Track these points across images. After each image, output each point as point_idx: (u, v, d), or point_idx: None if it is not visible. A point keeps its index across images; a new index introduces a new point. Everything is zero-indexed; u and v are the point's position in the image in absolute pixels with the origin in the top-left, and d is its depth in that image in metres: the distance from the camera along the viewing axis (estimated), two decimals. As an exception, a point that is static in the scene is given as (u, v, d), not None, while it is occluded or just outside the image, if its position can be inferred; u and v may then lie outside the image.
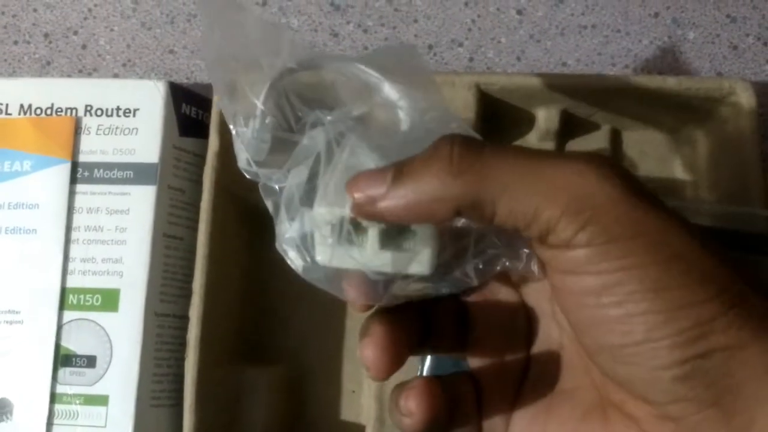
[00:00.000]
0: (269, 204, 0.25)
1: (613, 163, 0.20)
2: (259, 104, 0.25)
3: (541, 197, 0.19)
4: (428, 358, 0.38)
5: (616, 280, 0.19)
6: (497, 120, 0.44)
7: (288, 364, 0.45)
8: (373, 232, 0.22)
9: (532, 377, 0.25)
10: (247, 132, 0.25)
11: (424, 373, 0.38)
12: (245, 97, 0.25)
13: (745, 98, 0.41)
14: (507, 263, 0.23)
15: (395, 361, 0.23)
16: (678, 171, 0.46)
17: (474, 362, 0.26)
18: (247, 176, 0.26)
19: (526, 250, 0.23)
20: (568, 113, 0.44)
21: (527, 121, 0.45)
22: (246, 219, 0.45)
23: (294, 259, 0.24)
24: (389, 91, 0.25)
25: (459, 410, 0.24)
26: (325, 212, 0.22)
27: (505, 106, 0.43)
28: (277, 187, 0.24)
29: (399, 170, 0.20)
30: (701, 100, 0.42)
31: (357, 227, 0.22)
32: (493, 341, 0.25)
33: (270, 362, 0.44)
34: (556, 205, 0.19)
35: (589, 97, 0.43)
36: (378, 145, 0.23)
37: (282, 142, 0.25)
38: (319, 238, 0.22)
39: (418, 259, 0.22)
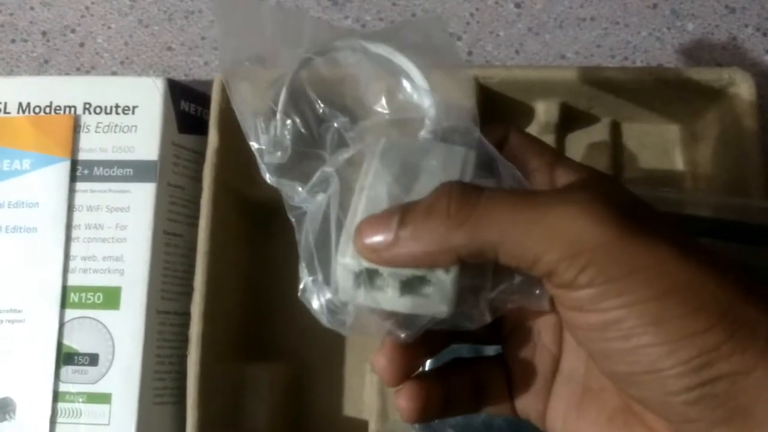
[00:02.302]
0: (292, 219, 0.26)
1: (606, 199, 0.21)
2: (279, 110, 0.26)
3: (539, 244, 0.20)
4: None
5: (619, 317, 0.20)
6: (497, 113, 0.44)
7: (290, 360, 0.45)
8: (391, 278, 0.22)
9: (564, 371, 0.26)
10: (267, 138, 0.26)
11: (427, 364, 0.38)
12: (264, 101, 0.26)
13: (745, 89, 0.41)
14: (521, 299, 0.24)
15: (406, 373, 0.24)
16: (678, 162, 0.46)
17: (507, 350, 0.27)
18: (271, 184, 0.26)
19: (537, 291, 0.24)
20: (567, 106, 0.44)
21: (527, 114, 0.45)
22: (246, 215, 0.45)
23: (317, 310, 0.24)
24: (410, 89, 0.26)
25: (466, 395, 0.26)
26: (348, 263, 0.23)
27: (504, 99, 0.43)
28: (301, 206, 0.25)
29: (402, 221, 0.21)
30: (701, 91, 0.42)
31: (377, 272, 0.22)
32: (525, 332, 0.26)
33: (272, 358, 0.44)
34: (554, 250, 0.20)
35: (588, 90, 0.43)
36: (396, 175, 0.23)
37: (304, 151, 0.26)
38: (342, 283, 0.23)
39: (437, 302, 0.22)
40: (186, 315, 0.40)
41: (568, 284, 0.20)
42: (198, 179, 0.42)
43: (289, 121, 0.26)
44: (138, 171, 0.42)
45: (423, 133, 0.25)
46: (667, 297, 0.20)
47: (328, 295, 0.24)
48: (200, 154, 0.43)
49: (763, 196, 0.40)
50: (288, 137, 0.25)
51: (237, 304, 0.44)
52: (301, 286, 0.25)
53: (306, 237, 0.25)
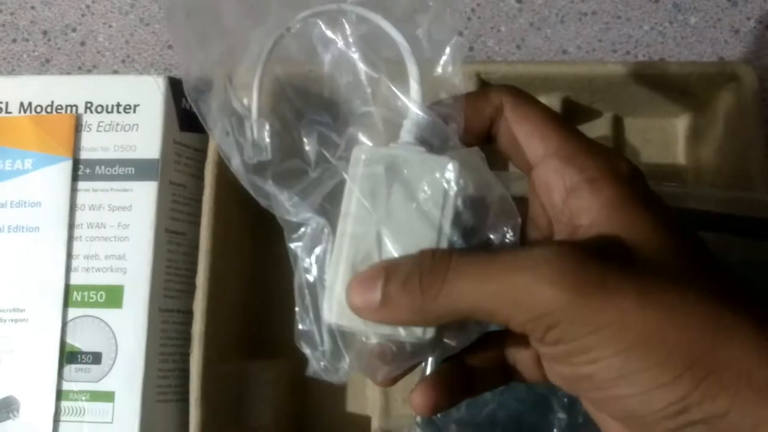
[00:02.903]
0: (289, 246, 0.25)
1: (563, 260, 0.21)
2: (254, 109, 0.25)
3: (505, 310, 0.21)
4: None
5: (589, 372, 0.21)
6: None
7: (293, 356, 0.44)
8: None
9: None
10: (244, 141, 0.25)
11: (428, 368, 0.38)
12: (233, 99, 0.25)
13: (748, 82, 0.41)
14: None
15: (440, 409, 0.26)
16: (680, 157, 0.46)
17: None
18: (251, 192, 0.25)
19: None
20: (569, 101, 0.44)
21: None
22: (248, 213, 0.45)
23: (311, 358, 0.25)
24: (390, 87, 0.24)
25: (494, 370, 0.26)
26: (333, 321, 0.24)
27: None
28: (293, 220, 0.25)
29: (384, 288, 0.22)
30: (703, 85, 0.42)
31: None
32: None
33: (275, 355, 0.44)
34: (520, 315, 0.21)
35: (590, 85, 0.43)
36: (376, 208, 0.23)
37: (286, 148, 0.25)
38: (326, 307, 0.24)
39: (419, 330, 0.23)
40: (189, 313, 0.40)
41: (540, 341, 0.21)
42: (200, 177, 0.42)
43: (266, 127, 0.25)
44: (140, 169, 0.42)
45: (404, 136, 0.24)
46: (631, 351, 0.20)
47: (324, 347, 0.24)
48: (202, 152, 0.43)
49: (766, 189, 0.40)
50: (267, 139, 0.25)
51: (240, 302, 0.44)
52: (296, 331, 0.25)
53: (299, 278, 0.25)
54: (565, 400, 0.36)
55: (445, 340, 0.24)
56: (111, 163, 0.43)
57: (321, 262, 0.24)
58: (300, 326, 0.25)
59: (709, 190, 0.42)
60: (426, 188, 0.23)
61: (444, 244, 0.23)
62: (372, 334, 0.24)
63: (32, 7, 0.53)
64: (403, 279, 0.22)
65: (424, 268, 0.22)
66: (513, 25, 0.50)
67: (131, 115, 0.43)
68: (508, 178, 0.40)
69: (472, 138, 0.25)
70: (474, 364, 0.26)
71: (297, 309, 0.25)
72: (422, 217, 0.23)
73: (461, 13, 0.50)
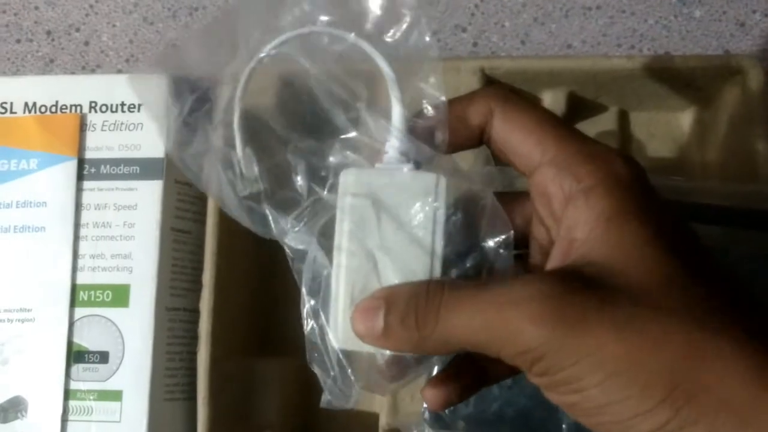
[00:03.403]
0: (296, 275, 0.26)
1: (544, 295, 0.21)
2: (238, 144, 0.25)
3: (495, 344, 0.22)
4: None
5: (574, 401, 0.21)
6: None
7: (300, 354, 0.44)
8: None
9: None
10: (234, 177, 0.25)
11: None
12: (216, 138, 0.25)
13: (754, 75, 0.41)
14: None
15: (451, 403, 0.26)
16: (686, 150, 0.46)
17: None
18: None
19: None
20: (574, 95, 0.44)
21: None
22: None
23: (324, 387, 0.26)
24: (372, 107, 0.24)
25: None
26: (340, 347, 0.25)
27: (510, 90, 0.43)
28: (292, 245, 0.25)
29: (385, 319, 0.23)
30: (709, 78, 0.42)
31: None
32: None
33: (282, 353, 0.44)
34: (507, 350, 0.22)
35: (595, 79, 0.43)
36: (368, 234, 0.23)
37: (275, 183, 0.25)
38: (332, 334, 0.25)
39: None
40: (195, 311, 0.40)
41: (529, 372, 0.22)
42: (205, 176, 0.42)
43: (253, 159, 0.25)
44: (144, 168, 0.42)
45: (390, 154, 0.24)
46: (611, 381, 0.20)
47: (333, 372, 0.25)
48: (206, 151, 0.43)
49: (773, 182, 0.40)
50: (256, 170, 0.25)
51: (246, 300, 0.44)
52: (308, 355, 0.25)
53: (306, 303, 0.25)
54: (573, 395, 0.36)
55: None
56: (116, 162, 0.43)
57: (324, 288, 0.25)
58: (312, 351, 0.26)
59: (715, 183, 0.42)
60: (415, 211, 0.23)
61: (438, 266, 0.23)
62: (379, 353, 0.24)
63: (36, 8, 0.53)
64: (401, 313, 0.23)
65: (419, 305, 0.23)
66: (517, 20, 0.49)
67: (135, 114, 0.43)
68: (512, 174, 0.40)
69: (462, 143, 0.25)
70: (480, 357, 0.26)
71: (306, 331, 0.26)
72: (414, 241, 0.23)
73: (465, 9, 0.50)
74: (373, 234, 0.23)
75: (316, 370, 0.26)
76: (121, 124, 0.43)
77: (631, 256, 0.22)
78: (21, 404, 0.40)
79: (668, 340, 0.20)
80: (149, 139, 0.43)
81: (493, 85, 0.23)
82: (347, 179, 0.24)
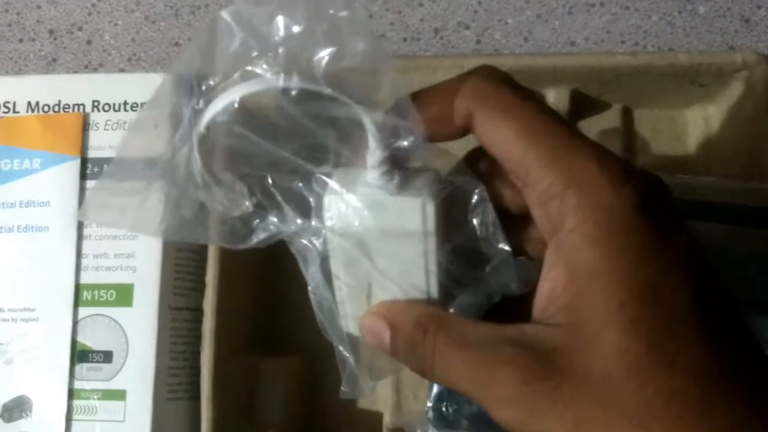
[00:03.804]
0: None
1: (516, 368, 0.20)
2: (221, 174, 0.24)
3: (478, 401, 0.22)
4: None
5: None
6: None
7: (304, 353, 0.45)
8: None
9: None
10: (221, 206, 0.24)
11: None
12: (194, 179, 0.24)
13: (758, 71, 0.40)
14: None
15: None
16: (691, 148, 0.46)
17: None
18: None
19: None
20: (578, 93, 0.43)
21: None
22: (257, 210, 0.45)
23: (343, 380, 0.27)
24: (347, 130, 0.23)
25: None
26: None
27: (491, 73, 0.43)
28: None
29: (391, 345, 0.24)
30: (713, 75, 0.42)
31: None
32: None
33: (286, 352, 0.44)
34: (489, 406, 0.21)
35: (598, 76, 0.42)
36: (358, 257, 0.24)
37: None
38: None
39: None
40: (199, 311, 0.40)
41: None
42: (208, 174, 0.42)
43: (239, 184, 0.24)
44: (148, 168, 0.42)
45: (372, 175, 0.23)
46: None
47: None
48: (209, 150, 0.43)
49: (778, 179, 0.39)
50: (244, 195, 0.24)
51: (250, 299, 0.44)
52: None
53: (319, 308, 0.26)
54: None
55: None
56: (119, 161, 0.43)
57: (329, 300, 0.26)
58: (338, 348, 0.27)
59: (720, 180, 0.42)
60: (404, 232, 0.23)
61: (433, 281, 0.24)
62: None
63: (38, 7, 0.53)
64: (402, 346, 0.23)
65: (417, 339, 0.23)
66: (520, 17, 0.49)
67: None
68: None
69: (444, 139, 0.23)
70: None
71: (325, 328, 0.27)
72: (407, 261, 0.23)
73: (468, 6, 0.49)
74: (367, 257, 0.24)
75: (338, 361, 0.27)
76: (124, 123, 0.43)
77: (596, 333, 0.19)
78: (25, 403, 0.40)
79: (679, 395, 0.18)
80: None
81: (474, 72, 0.21)
82: (331, 203, 0.23)
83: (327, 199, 0.23)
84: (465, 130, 0.22)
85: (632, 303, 0.19)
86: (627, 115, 0.46)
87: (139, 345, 0.40)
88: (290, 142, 0.23)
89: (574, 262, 0.19)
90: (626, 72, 0.42)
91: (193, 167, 0.23)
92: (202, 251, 0.42)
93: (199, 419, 0.39)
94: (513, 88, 0.22)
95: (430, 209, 0.22)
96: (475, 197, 0.23)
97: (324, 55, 0.21)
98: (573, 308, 0.20)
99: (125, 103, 0.43)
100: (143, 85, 0.44)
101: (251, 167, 0.24)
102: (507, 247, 0.23)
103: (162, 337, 0.41)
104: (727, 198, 0.39)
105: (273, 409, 0.42)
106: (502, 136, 0.21)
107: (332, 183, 0.23)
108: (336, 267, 0.24)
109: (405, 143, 0.22)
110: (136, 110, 0.43)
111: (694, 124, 0.46)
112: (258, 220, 0.25)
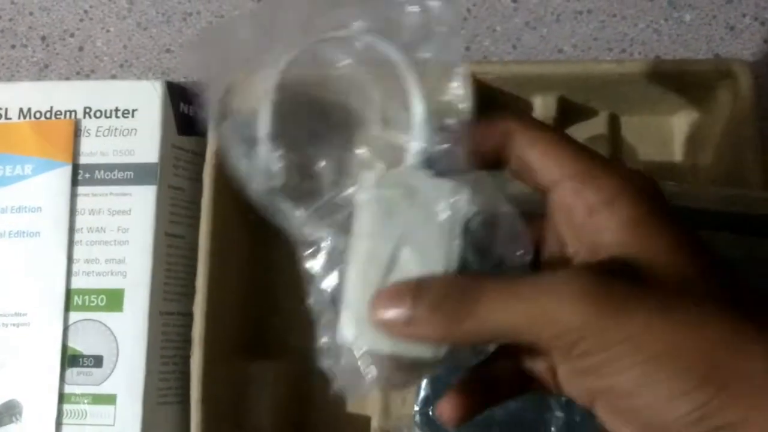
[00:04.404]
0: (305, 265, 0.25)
1: (584, 280, 0.22)
2: (262, 135, 0.25)
3: (532, 330, 0.22)
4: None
5: (610, 384, 0.22)
6: (493, 109, 0.44)
7: (293, 357, 0.45)
8: None
9: None
10: (254, 168, 0.25)
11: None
12: (242, 126, 0.25)
13: (743, 79, 0.41)
14: None
15: (466, 418, 0.27)
16: (677, 154, 0.46)
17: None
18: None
19: None
20: (565, 100, 0.44)
21: (525, 109, 0.45)
22: (248, 215, 0.45)
23: (336, 376, 0.25)
24: (398, 113, 0.25)
25: (509, 382, 0.27)
26: (349, 342, 0.24)
27: (501, 94, 0.43)
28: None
29: (413, 306, 0.23)
30: (699, 82, 0.42)
31: None
32: None
33: (275, 356, 0.45)
34: (545, 334, 0.22)
35: (585, 84, 0.43)
36: (386, 235, 0.24)
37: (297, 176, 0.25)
38: (343, 326, 0.24)
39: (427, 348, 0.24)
40: (189, 316, 0.41)
41: (564, 356, 0.23)
42: (198, 180, 0.42)
43: (278, 152, 0.25)
44: (139, 174, 0.43)
45: (411, 160, 0.24)
46: (651, 363, 0.21)
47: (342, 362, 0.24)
48: (200, 156, 0.43)
49: (762, 186, 0.40)
50: (277, 166, 0.25)
51: (239, 304, 0.44)
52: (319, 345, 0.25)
53: (316, 296, 0.25)
54: (563, 399, 0.36)
55: (460, 356, 0.25)
56: (110, 167, 0.43)
57: (336, 282, 0.24)
58: (320, 344, 0.25)
59: (707, 187, 0.43)
60: (437, 212, 0.24)
61: (456, 266, 0.24)
62: (387, 351, 0.24)
63: (30, 13, 0.53)
64: (432, 299, 0.23)
65: (454, 290, 0.23)
66: (508, 24, 0.50)
67: (130, 119, 0.44)
68: (504, 179, 0.40)
69: (480, 164, 0.25)
70: (491, 374, 0.27)
71: (317, 328, 0.25)
72: (435, 239, 0.24)
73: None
74: (394, 227, 0.24)
75: (326, 364, 0.25)
76: (116, 129, 0.44)
77: (663, 252, 0.23)
78: (16, 408, 0.40)
79: (708, 326, 0.21)
80: (143, 145, 0.43)
81: (508, 112, 0.24)
82: (370, 176, 0.24)
83: (366, 173, 0.24)
84: (497, 157, 0.25)
85: (688, 234, 0.23)
86: (614, 121, 0.46)
87: (130, 350, 0.41)
88: (332, 117, 0.25)
89: (626, 217, 0.23)
90: (613, 79, 0.42)
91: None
92: (192, 256, 0.42)
93: (189, 423, 0.39)
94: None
95: (465, 194, 0.24)
96: (505, 215, 0.25)
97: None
98: (635, 244, 0.23)
99: (117, 110, 0.44)
100: (135, 92, 0.44)
101: (291, 139, 0.25)
102: (528, 256, 0.25)
103: (152, 341, 0.41)
104: (713, 205, 0.40)
105: (262, 412, 0.42)
106: (541, 143, 0.25)
107: (374, 156, 0.24)
108: (358, 243, 0.24)
109: (445, 146, 0.24)
110: (127, 117, 0.44)
111: (680, 131, 0.46)
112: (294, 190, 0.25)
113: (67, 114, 0.44)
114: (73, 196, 0.43)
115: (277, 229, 0.45)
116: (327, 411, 0.44)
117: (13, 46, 0.52)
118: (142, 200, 0.42)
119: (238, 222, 0.44)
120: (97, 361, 0.41)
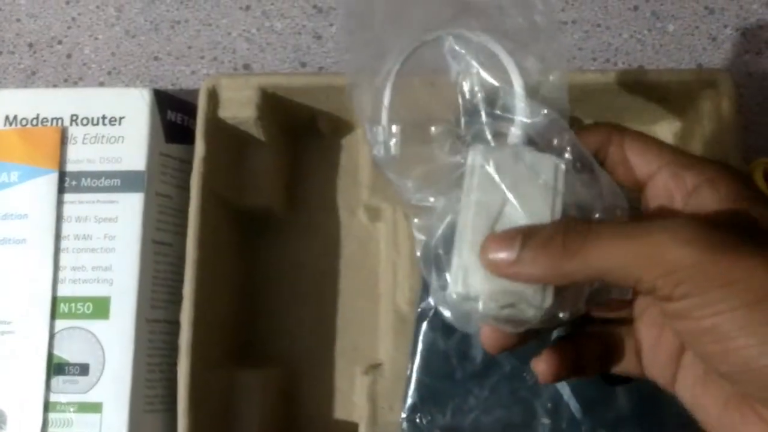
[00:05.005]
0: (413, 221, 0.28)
1: (696, 224, 0.23)
2: (384, 114, 0.28)
3: (639, 269, 0.23)
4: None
5: (712, 324, 0.23)
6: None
7: (280, 365, 0.45)
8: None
9: (690, 352, 0.28)
10: (377, 132, 0.28)
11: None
12: (368, 102, 0.28)
13: (725, 89, 0.41)
14: (610, 292, 0.27)
15: (561, 375, 0.29)
16: (661, 163, 0.47)
17: (639, 324, 0.29)
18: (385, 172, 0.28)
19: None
20: (549, 109, 0.44)
21: (511, 118, 0.45)
22: (235, 223, 0.45)
23: (448, 315, 0.27)
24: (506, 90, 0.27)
25: (595, 357, 0.29)
26: (459, 291, 0.26)
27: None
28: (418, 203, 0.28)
29: (523, 245, 0.25)
30: (682, 92, 0.43)
31: None
32: (655, 314, 0.28)
33: (262, 364, 0.45)
34: (653, 273, 0.23)
35: (570, 92, 0.43)
36: (493, 193, 0.26)
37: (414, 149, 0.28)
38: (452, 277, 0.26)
39: (531, 308, 0.26)
40: (176, 323, 0.41)
41: (667, 297, 0.24)
42: (186, 188, 0.42)
43: (395, 127, 0.28)
44: (126, 181, 0.43)
45: (513, 135, 0.27)
46: (755, 306, 0.22)
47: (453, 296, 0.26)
48: (188, 163, 0.43)
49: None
50: (395, 139, 0.28)
51: (227, 312, 0.44)
52: (433, 289, 0.27)
53: (426, 253, 0.27)
54: (549, 405, 0.37)
55: (560, 314, 0.26)
56: (97, 175, 0.43)
57: (445, 239, 0.27)
58: (432, 298, 0.29)
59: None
60: (540, 171, 0.26)
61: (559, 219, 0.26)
62: (493, 301, 0.25)
63: (18, 20, 0.53)
64: (540, 240, 0.25)
65: (568, 228, 0.25)
66: (495, 34, 0.50)
67: (117, 127, 0.44)
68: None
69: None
70: (580, 346, 0.29)
71: (429, 283, 0.27)
72: (539, 195, 0.26)
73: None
74: (499, 187, 0.26)
75: (441, 308, 0.27)
76: (102, 137, 0.44)
77: (763, 214, 0.25)
78: (0, 417, 0.40)
79: None
80: (130, 152, 0.43)
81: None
82: (477, 148, 0.27)
83: (474, 146, 0.27)
84: (595, 154, 0.28)
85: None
86: (598, 130, 0.47)
87: (116, 357, 0.40)
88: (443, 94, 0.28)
89: (726, 193, 0.25)
90: (597, 89, 0.43)
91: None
92: (179, 264, 0.42)
93: (176, 431, 0.39)
94: None
95: (562, 171, 0.26)
96: (603, 181, 0.27)
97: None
98: (737, 212, 0.25)
99: (104, 117, 0.44)
100: (122, 99, 0.44)
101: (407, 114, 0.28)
102: (625, 204, 0.27)
103: (139, 349, 0.41)
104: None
105: (249, 420, 0.42)
106: (640, 142, 0.28)
107: (479, 132, 0.27)
108: (468, 198, 0.26)
109: (545, 123, 0.27)
110: (114, 124, 0.44)
111: (664, 140, 0.46)
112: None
113: (54, 121, 0.44)
114: (60, 203, 0.43)
115: (266, 237, 0.45)
116: (315, 419, 0.44)
117: (0, 53, 0.52)
118: (129, 208, 0.42)
119: (226, 230, 0.44)
120: (83, 369, 0.40)
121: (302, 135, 0.48)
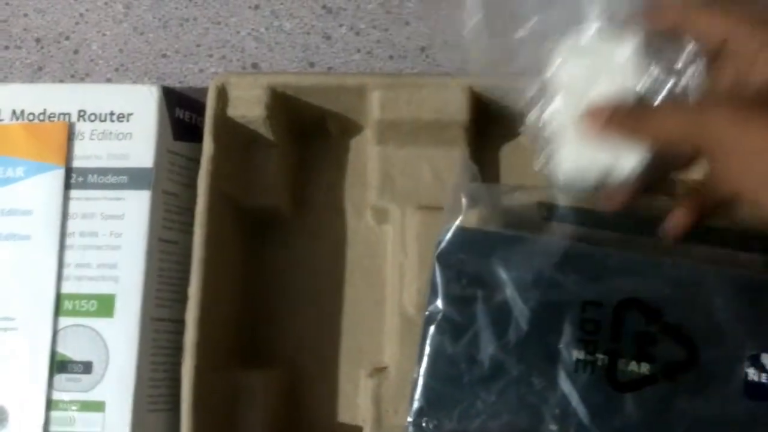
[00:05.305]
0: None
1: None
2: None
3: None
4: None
5: None
6: (490, 120, 0.44)
7: (285, 366, 0.45)
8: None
9: None
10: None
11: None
12: None
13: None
14: None
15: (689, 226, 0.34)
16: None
17: None
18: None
19: None
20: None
21: (515, 122, 0.45)
22: (241, 222, 0.45)
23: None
24: None
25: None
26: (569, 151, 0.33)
27: (497, 106, 0.44)
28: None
29: (609, 115, 0.31)
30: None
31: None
32: None
33: (267, 365, 0.44)
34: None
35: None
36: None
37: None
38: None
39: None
40: (181, 322, 0.40)
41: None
42: (193, 186, 0.42)
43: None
44: (133, 178, 0.42)
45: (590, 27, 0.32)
46: None
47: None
48: (195, 162, 0.43)
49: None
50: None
51: (232, 311, 0.44)
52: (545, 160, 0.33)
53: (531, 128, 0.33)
54: (556, 411, 0.36)
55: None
56: (104, 171, 0.43)
57: (546, 114, 0.33)
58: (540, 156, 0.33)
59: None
60: (623, 53, 0.31)
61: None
62: (595, 166, 0.32)
63: (25, 15, 0.53)
64: (625, 109, 0.31)
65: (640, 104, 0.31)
66: (505, 37, 0.50)
67: (124, 123, 0.43)
68: (499, 191, 0.40)
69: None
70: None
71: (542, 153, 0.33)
72: (622, 74, 0.31)
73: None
74: (587, 70, 0.32)
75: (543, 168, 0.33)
76: (110, 133, 0.43)
77: None
78: (2, 414, 0.40)
79: None
80: (138, 149, 0.43)
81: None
82: (565, 41, 0.32)
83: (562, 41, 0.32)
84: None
85: None
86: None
87: (120, 356, 0.40)
88: None
89: None
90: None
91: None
92: (185, 262, 0.42)
93: (179, 431, 0.39)
94: None
95: (641, 48, 0.32)
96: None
97: None
98: None
99: (111, 114, 0.44)
100: (131, 96, 0.44)
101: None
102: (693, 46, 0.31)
103: (143, 348, 0.40)
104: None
105: (253, 421, 0.42)
106: (708, 14, 0.31)
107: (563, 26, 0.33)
108: (560, 80, 0.32)
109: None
110: (122, 121, 0.43)
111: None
112: None
113: (61, 117, 0.44)
114: (66, 199, 0.42)
115: (271, 237, 0.45)
116: (319, 421, 0.44)
117: (7, 48, 0.52)
118: (136, 205, 0.42)
119: (233, 229, 0.44)
120: (87, 367, 0.40)
121: (310, 135, 0.48)
